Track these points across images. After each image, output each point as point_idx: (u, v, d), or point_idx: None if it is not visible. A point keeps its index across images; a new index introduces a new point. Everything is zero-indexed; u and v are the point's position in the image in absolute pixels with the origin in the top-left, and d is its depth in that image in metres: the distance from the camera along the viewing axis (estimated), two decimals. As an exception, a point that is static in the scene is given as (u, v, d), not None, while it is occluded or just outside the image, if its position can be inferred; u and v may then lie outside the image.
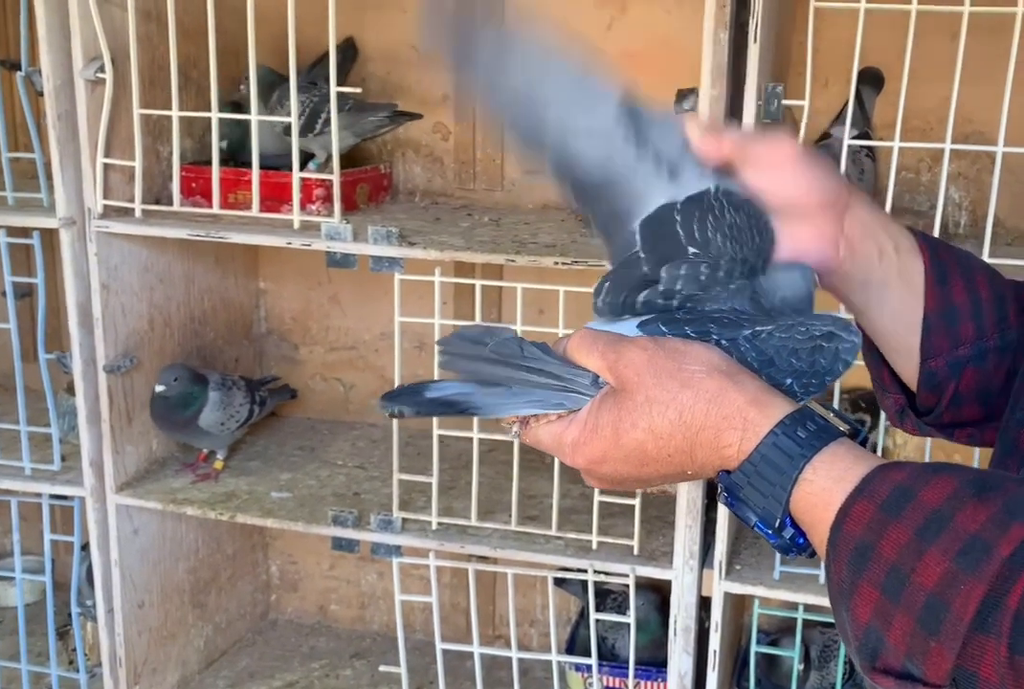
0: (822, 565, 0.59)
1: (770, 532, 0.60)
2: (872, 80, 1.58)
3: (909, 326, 0.75)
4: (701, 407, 0.61)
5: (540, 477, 1.65)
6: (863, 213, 0.73)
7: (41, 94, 1.48)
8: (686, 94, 1.35)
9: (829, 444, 0.58)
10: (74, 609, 1.69)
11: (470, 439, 1.48)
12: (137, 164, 1.50)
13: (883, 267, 0.73)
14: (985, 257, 1.33)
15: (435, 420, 1.47)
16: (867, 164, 1.59)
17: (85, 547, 1.66)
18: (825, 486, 0.57)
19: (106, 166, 1.50)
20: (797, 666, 1.52)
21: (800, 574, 1.42)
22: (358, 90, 1.45)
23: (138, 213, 1.52)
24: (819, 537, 0.57)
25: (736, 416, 0.60)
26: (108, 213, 1.53)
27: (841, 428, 0.61)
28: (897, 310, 0.74)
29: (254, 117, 1.46)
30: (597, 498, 1.45)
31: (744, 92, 1.30)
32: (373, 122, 1.63)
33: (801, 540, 0.60)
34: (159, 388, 1.58)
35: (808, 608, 1.45)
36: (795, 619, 1.48)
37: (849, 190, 0.72)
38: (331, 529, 1.54)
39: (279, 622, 2.08)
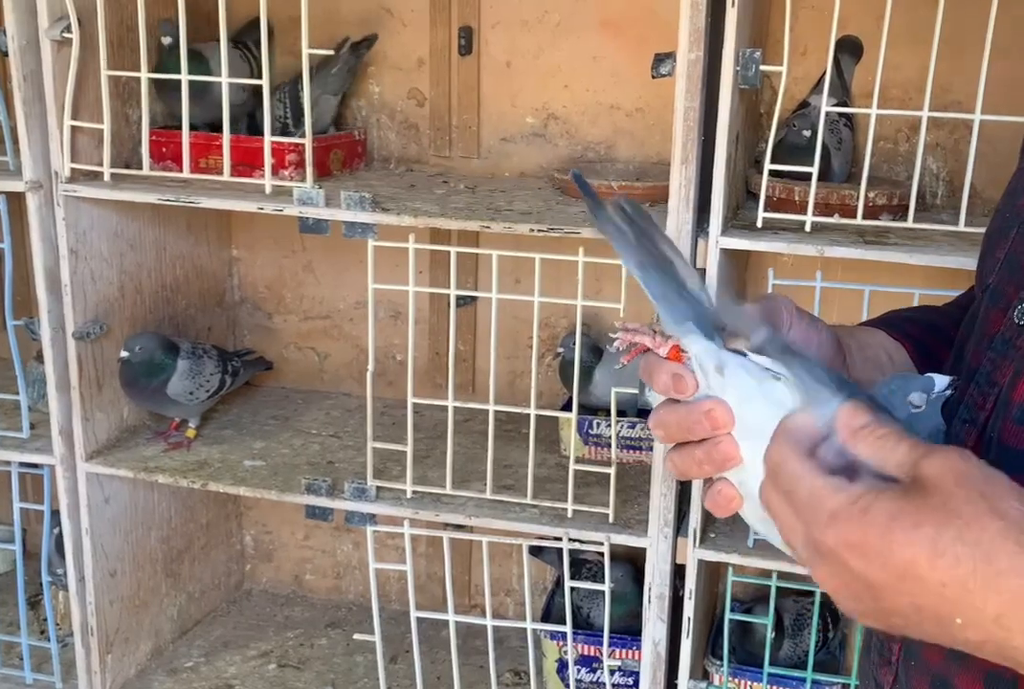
0: None
1: None
2: (851, 49, 1.58)
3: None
4: (1011, 547, 0.48)
5: (516, 447, 1.64)
6: (854, 343, 0.74)
7: (5, 54, 1.45)
8: (663, 58, 1.34)
9: None
10: (45, 578, 1.68)
11: (445, 408, 1.47)
12: (106, 127, 1.47)
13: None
14: (961, 226, 1.33)
15: (410, 386, 1.46)
16: (845, 133, 1.58)
17: (56, 515, 1.65)
18: None
19: (73, 129, 1.47)
20: (770, 634, 1.53)
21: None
22: (330, 52, 1.43)
23: (107, 177, 1.49)
24: None
25: None
26: (76, 177, 1.50)
27: None
28: None
29: (225, 79, 1.43)
30: (572, 467, 1.45)
31: (722, 57, 1.29)
32: (341, 70, 1.60)
33: None
34: (123, 354, 1.56)
35: (782, 576, 1.46)
36: (769, 588, 1.49)
37: (836, 332, 0.73)
38: (304, 497, 1.53)
39: (254, 592, 2.07)
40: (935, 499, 0.50)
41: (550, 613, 1.78)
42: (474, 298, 1.79)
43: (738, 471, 0.62)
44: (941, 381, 0.66)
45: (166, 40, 1.50)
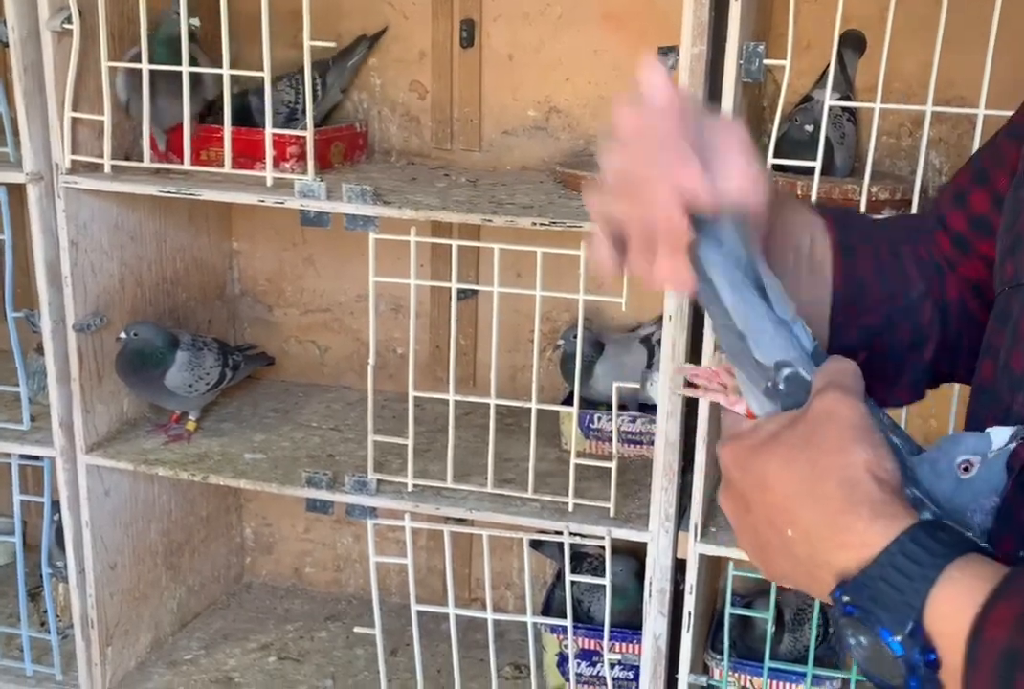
0: None
1: (896, 641, 0.52)
2: (854, 43, 1.57)
3: (822, 316, 0.76)
4: (839, 479, 0.57)
5: (516, 441, 1.64)
6: (787, 212, 0.73)
7: (6, 45, 1.44)
8: (666, 52, 1.33)
9: (964, 553, 0.53)
10: (45, 570, 1.68)
11: (446, 402, 1.47)
12: (106, 118, 1.46)
13: (794, 268, 0.74)
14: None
15: (411, 379, 1.46)
16: (848, 128, 1.58)
17: (56, 507, 1.65)
18: (961, 589, 0.52)
19: (74, 120, 1.47)
20: (770, 628, 1.53)
21: (774, 537, 1.42)
22: (332, 44, 1.42)
23: (107, 169, 1.49)
24: (952, 647, 0.52)
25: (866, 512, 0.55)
26: (76, 168, 1.49)
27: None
28: (809, 303, 0.74)
29: (226, 71, 1.42)
30: (573, 461, 1.45)
31: (724, 51, 1.28)
32: (355, 64, 1.61)
33: (932, 656, 0.52)
34: (121, 334, 1.56)
35: (782, 570, 1.45)
36: (769, 583, 1.48)
37: (776, 188, 0.71)
38: (305, 490, 1.53)
39: (253, 585, 2.07)
40: (805, 427, 0.59)
41: (550, 607, 1.78)
42: (475, 291, 1.78)
43: None
44: (1000, 436, 0.60)
45: (195, 21, 1.43)
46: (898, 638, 0.52)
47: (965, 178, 0.82)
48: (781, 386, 0.61)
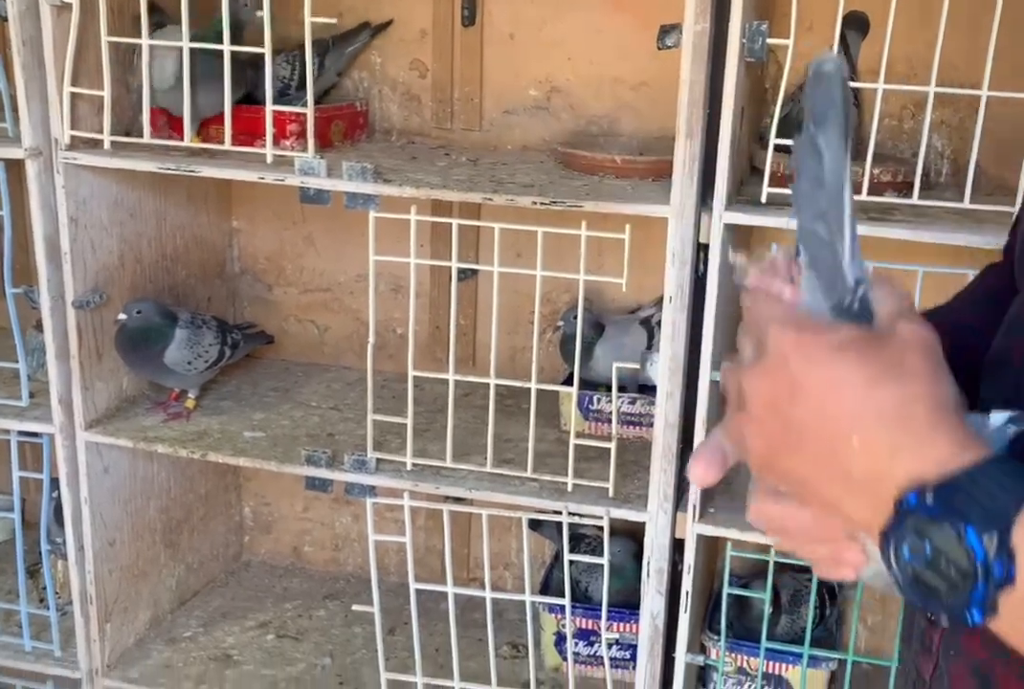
0: None
1: (981, 542, 0.50)
2: (857, 24, 1.56)
3: None
4: (931, 407, 0.54)
5: (515, 422, 1.64)
6: None
7: (5, 20, 1.44)
8: (669, 30, 1.32)
9: None
10: (44, 546, 1.68)
11: (445, 383, 1.47)
12: (106, 94, 1.46)
13: None
14: (966, 204, 1.32)
15: (410, 358, 1.46)
16: (851, 110, 1.57)
17: (55, 484, 1.65)
18: None
19: (73, 96, 1.46)
20: (768, 608, 1.53)
21: (772, 517, 1.42)
22: (333, 21, 1.41)
23: (107, 145, 1.48)
24: None
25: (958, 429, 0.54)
26: (76, 144, 1.49)
27: None
28: None
29: (227, 47, 1.42)
30: (573, 441, 1.45)
31: (727, 30, 1.28)
32: (355, 50, 1.60)
33: (1013, 569, 0.50)
34: (120, 316, 1.56)
35: (780, 551, 1.46)
36: (767, 564, 1.49)
37: None
38: (304, 468, 1.53)
39: (252, 563, 2.08)
40: (895, 348, 0.55)
41: (548, 587, 1.78)
42: (475, 271, 1.78)
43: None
44: (997, 418, 0.60)
45: (260, 14, 1.39)
46: (985, 538, 0.50)
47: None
48: (856, 305, 0.58)
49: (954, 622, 0.53)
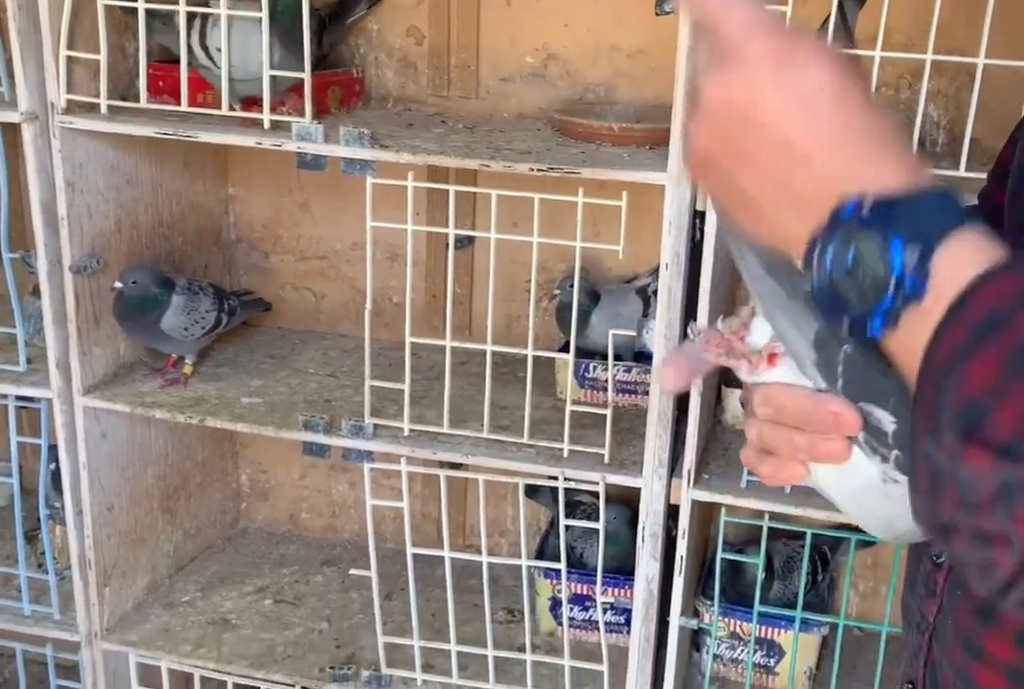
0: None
1: (903, 254, 0.51)
2: (855, -7, 1.55)
3: None
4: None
5: (512, 390, 1.65)
6: None
7: (0, -18, 1.43)
8: (667, -3, 1.32)
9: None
10: (43, 511, 1.69)
11: (442, 351, 1.48)
12: (102, 58, 1.45)
13: None
14: (961, 171, 1.33)
15: (407, 324, 1.46)
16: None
17: (53, 449, 1.66)
18: (978, 243, 0.52)
19: (70, 60, 1.45)
20: (760, 572, 1.55)
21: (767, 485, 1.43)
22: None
23: (103, 109, 1.48)
24: (941, 293, 0.51)
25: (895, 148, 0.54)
26: (72, 108, 1.48)
27: None
28: None
29: (223, 11, 1.41)
30: (569, 408, 1.46)
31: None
32: (349, 23, 1.59)
33: (924, 286, 0.52)
34: (117, 284, 1.56)
35: (773, 516, 1.48)
36: (760, 530, 1.50)
37: None
38: (302, 434, 1.54)
39: (249, 530, 2.09)
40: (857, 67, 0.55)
41: (544, 554, 1.80)
42: (472, 240, 1.78)
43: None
44: None
45: None
46: (907, 251, 0.51)
47: (1004, 153, 0.82)
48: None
49: (855, 333, 0.54)
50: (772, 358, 0.63)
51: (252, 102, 1.49)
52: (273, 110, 1.46)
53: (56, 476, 1.67)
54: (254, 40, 1.43)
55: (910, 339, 0.52)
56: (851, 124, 0.54)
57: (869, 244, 0.52)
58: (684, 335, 1.44)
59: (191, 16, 1.44)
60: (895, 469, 0.60)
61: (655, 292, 1.62)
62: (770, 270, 0.61)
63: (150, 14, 1.44)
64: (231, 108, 1.46)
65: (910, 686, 0.75)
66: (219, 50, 1.44)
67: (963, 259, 0.51)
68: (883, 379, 0.59)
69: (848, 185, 0.53)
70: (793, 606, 1.56)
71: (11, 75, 1.47)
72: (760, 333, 0.65)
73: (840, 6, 1.48)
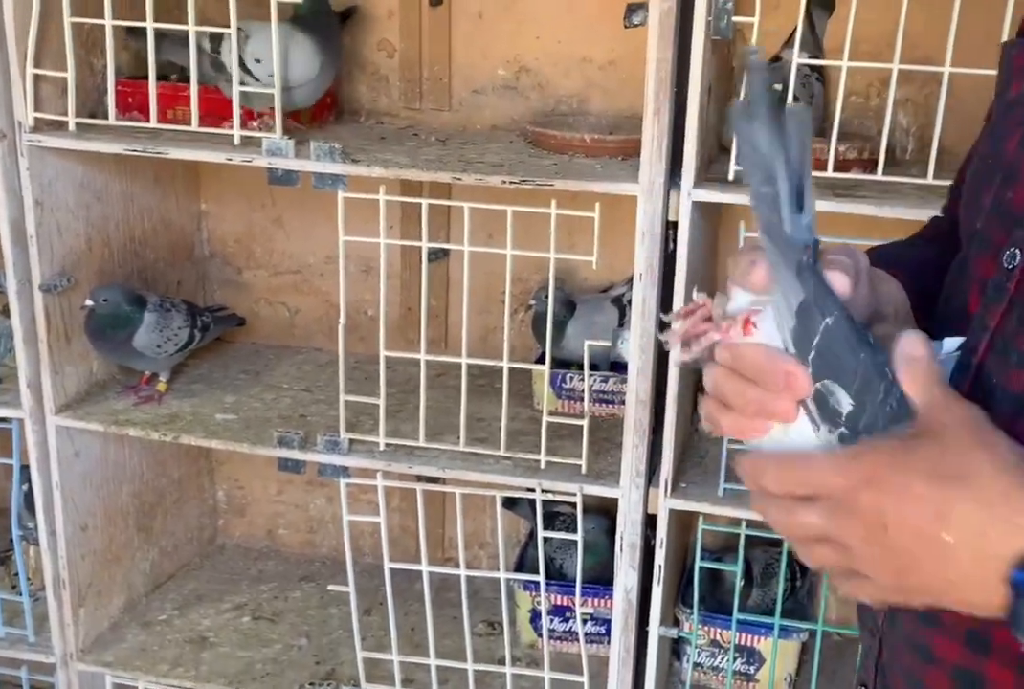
0: None
1: None
2: (823, 3, 1.57)
3: None
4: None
5: (488, 401, 1.65)
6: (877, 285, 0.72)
7: (-35, 0, 1.42)
8: (636, 8, 1.33)
9: None
10: (16, 532, 1.68)
11: (417, 363, 1.47)
12: (69, 75, 1.44)
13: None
14: (930, 179, 1.34)
15: (382, 339, 1.46)
16: (816, 88, 1.58)
17: (25, 469, 1.64)
18: None
19: (37, 78, 1.45)
20: (739, 581, 1.55)
21: (744, 491, 1.44)
22: (298, 0, 1.40)
23: (72, 127, 1.47)
24: None
25: None
26: (40, 126, 1.47)
27: None
28: None
29: (192, 28, 1.41)
30: (545, 418, 1.46)
31: (694, 7, 1.28)
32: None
33: None
34: (87, 302, 1.55)
35: (751, 524, 1.48)
36: (738, 538, 1.51)
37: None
38: (277, 450, 1.53)
39: (227, 546, 2.08)
40: (933, 436, 0.58)
41: (523, 566, 1.80)
42: (446, 252, 1.78)
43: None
44: (950, 343, 0.65)
45: None
46: None
47: (962, 165, 0.84)
48: (810, 265, 0.60)
49: None
50: (747, 325, 0.63)
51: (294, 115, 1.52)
52: (243, 125, 1.46)
53: (29, 496, 1.65)
54: (296, 49, 1.46)
55: None
56: (964, 502, 0.56)
57: None
58: (660, 341, 1.45)
59: (216, 35, 1.44)
60: (838, 442, 0.60)
61: (630, 301, 1.62)
62: (768, 231, 0.60)
63: (159, 33, 1.44)
64: (290, 121, 1.49)
65: (863, 688, 0.76)
66: (258, 61, 1.45)
67: None
68: (853, 358, 0.59)
69: (999, 551, 0.55)
70: (772, 612, 1.57)
71: (-22, 93, 1.46)
72: (739, 301, 0.64)
73: (808, 16, 1.50)
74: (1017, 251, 0.63)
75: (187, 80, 1.46)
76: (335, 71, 1.57)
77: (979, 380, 0.64)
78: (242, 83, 1.44)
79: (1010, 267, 0.64)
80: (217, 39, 1.46)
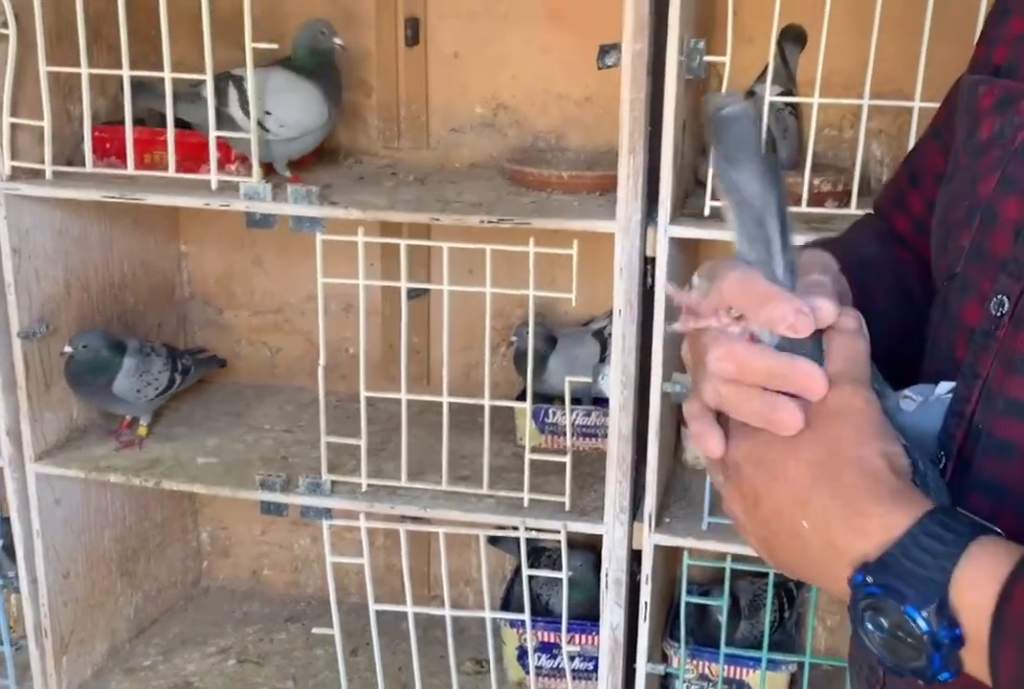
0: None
1: (923, 617, 0.54)
2: (795, 37, 1.59)
3: None
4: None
5: (471, 438, 1.64)
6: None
7: (-59, 50, 1.42)
8: (608, 50, 1.34)
9: (982, 534, 0.56)
10: (-4, 581, 1.66)
11: (399, 401, 1.47)
12: (46, 124, 1.45)
13: None
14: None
15: (362, 379, 1.46)
16: (790, 122, 1.60)
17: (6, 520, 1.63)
18: (985, 564, 0.54)
19: (13, 126, 1.45)
20: (725, 615, 1.55)
21: (728, 525, 1.44)
22: (274, 46, 1.41)
23: (49, 175, 1.47)
24: (977, 628, 0.53)
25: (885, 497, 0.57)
26: (17, 175, 1.48)
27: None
28: None
29: (167, 74, 1.41)
30: (528, 456, 1.46)
31: (667, 47, 1.29)
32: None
33: (957, 631, 0.54)
34: (67, 348, 1.54)
35: (736, 558, 1.48)
36: (723, 570, 1.51)
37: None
38: (259, 493, 1.52)
39: (211, 588, 2.06)
40: (821, 421, 0.59)
41: (510, 602, 1.79)
42: (427, 290, 1.78)
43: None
44: (944, 386, 0.66)
45: (339, 41, 1.52)
46: (924, 613, 0.54)
47: (903, 180, 0.84)
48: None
49: (932, 683, 0.56)
50: (741, 317, 0.62)
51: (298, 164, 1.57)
52: (220, 169, 1.46)
53: (9, 543, 1.64)
54: (307, 98, 1.51)
55: (980, 671, 0.54)
56: (819, 494, 0.58)
57: (891, 613, 0.55)
58: (641, 375, 1.45)
59: (219, 84, 1.45)
60: None
61: (612, 334, 1.63)
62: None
63: (139, 82, 1.46)
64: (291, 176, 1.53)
65: None
66: (268, 114, 1.48)
67: (980, 581, 0.53)
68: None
69: (846, 548, 0.57)
70: (761, 645, 1.56)
71: (-46, 142, 1.46)
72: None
73: (780, 50, 1.52)
74: (1004, 298, 0.63)
75: (164, 124, 1.47)
76: (336, 117, 1.60)
77: (971, 428, 0.64)
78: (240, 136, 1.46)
79: (998, 315, 0.64)
80: (223, 92, 1.46)
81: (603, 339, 1.68)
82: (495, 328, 1.73)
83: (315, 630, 1.56)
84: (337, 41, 1.54)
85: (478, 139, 1.76)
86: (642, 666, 1.51)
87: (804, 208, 1.37)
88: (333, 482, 1.51)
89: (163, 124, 1.47)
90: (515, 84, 1.73)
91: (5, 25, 1.39)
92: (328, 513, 1.51)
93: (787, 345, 0.60)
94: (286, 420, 1.78)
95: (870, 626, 0.56)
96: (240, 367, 1.94)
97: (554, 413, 1.66)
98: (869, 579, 0.55)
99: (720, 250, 1.57)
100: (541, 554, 1.77)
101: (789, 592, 1.76)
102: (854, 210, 1.36)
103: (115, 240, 1.72)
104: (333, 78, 1.56)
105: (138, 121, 1.49)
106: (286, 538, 2.03)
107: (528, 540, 1.48)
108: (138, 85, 1.46)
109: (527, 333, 1.52)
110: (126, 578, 1.83)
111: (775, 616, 1.67)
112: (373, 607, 1.52)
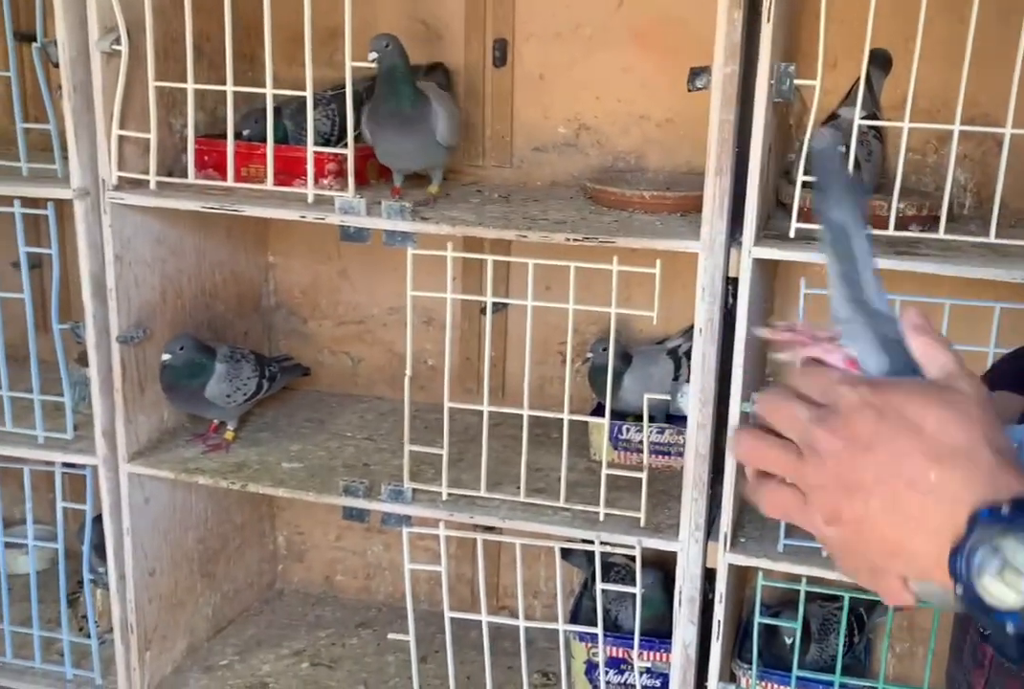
0: None
1: None
2: (881, 62, 1.59)
3: None
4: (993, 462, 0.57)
5: (545, 451, 1.67)
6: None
7: (56, 65, 1.49)
8: (699, 72, 1.36)
9: None
10: (86, 576, 1.72)
11: (478, 413, 1.50)
12: (152, 136, 1.51)
13: None
14: (991, 238, 1.35)
15: (447, 391, 1.49)
16: (875, 145, 1.60)
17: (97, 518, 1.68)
18: None
19: (120, 138, 1.51)
20: (798, 637, 1.54)
21: (803, 547, 1.44)
22: (372, 65, 1.46)
23: (153, 185, 1.53)
24: None
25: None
26: (122, 185, 1.54)
27: None
28: None
29: (269, 91, 1.46)
30: (604, 471, 1.48)
31: (756, 71, 1.31)
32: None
33: None
34: (165, 357, 1.59)
35: (810, 581, 1.48)
36: (797, 592, 1.51)
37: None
38: (342, 499, 1.56)
39: (285, 592, 2.10)
40: (958, 394, 0.58)
41: (577, 616, 1.80)
42: (506, 305, 1.81)
43: None
44: None
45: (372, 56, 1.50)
46: None
47: None
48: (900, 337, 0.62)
49: (1018, 633, 0.55)
50: (852, 362, 0.63)
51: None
52: (315, 183, 1.51)
53: (99, 541, 1.69)
54: (453, 110, 1.61)
55: None
56: (958, 448, 0.57)
57: (1014, 543, 0.54)
58: (719, 395, 1.46)
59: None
60: None
61: (686, 353, 1.64)
62: (854, 306, 0.62)
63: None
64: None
65: None
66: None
67: None
68: None
69: (972, 498, 0.56)
70: (829, 668, 1.56)
71: (64, 152, 1.53)
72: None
73: (867, 75, 1.53)
74: None
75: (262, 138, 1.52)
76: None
77: None
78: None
79: None
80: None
81: (677, 358, 1.70)
82: (570, 344, 1.75)
83: (391, 636, 1.59)
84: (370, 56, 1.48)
85: (560, 158, 1.79)
86: (713, 685, 1.52)
87: (890, 232, 1.37)
88: (414, 490, 1.54)
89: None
90: (597, 105, 1.76)
91: (118, 42, 1.45)
92: (408, 520, 1.54)
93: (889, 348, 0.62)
94: (367, 428, 1.82)
95: (977, 563, 0.54)
96: (322, 376, 1.98)
97: (628, 430, 1.68)
98: (1004, 509, 0.55)
99: (798, 271, 1.58)
100: (610, 570, 1.78)
101: (860, 617, 1.75)
102: (941, 235, 1.37)
103: (208, 250, 1.78)
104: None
105: (236, 135, 1.55)
106: (360, 545, 2.07)
107: (600, 555, 1.49)
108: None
109: (603, 350, 1.54)
110: (206, 579, 1.88)
111: (846, 640, 1.66)
112: (448, 614, 1.54)
